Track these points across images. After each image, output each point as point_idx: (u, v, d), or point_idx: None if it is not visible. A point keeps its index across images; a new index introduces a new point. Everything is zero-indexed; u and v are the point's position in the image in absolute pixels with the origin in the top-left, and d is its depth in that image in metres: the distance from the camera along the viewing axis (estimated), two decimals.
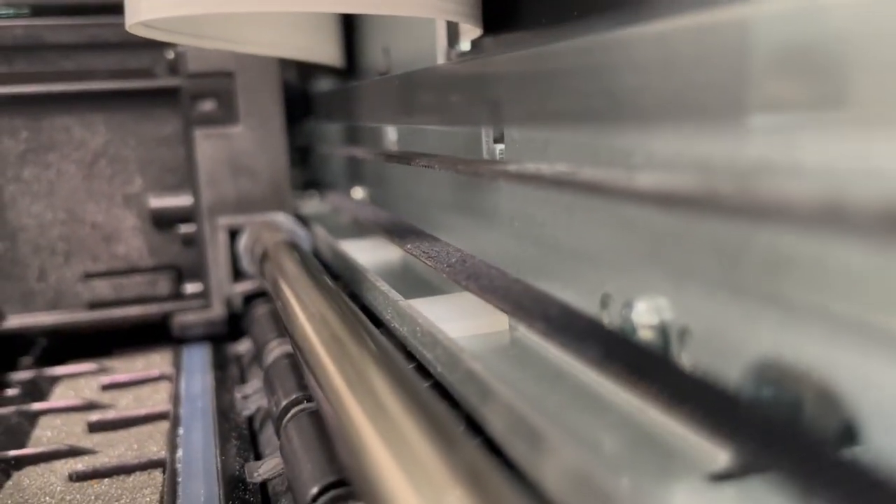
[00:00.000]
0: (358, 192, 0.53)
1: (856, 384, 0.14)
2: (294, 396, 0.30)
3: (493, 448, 0.19)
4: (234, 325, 0.50)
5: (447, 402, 0.22)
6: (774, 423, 0.13)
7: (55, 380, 0.44)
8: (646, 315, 0.20)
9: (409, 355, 0.27)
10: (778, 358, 0.16)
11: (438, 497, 0.14)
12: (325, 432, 0.26)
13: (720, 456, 0.17)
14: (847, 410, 0.14)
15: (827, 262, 0.14)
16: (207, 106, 0.47)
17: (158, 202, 0.48)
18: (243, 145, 0.48)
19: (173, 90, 0.48)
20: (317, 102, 0.58)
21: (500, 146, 0.29)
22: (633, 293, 0.21)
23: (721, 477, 0.16)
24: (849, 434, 0.14)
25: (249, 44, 0.42)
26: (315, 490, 0.22)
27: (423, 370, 0.26)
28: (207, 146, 0.48)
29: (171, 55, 0.47)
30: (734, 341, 0.17)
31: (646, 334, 0.20)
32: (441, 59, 0.35)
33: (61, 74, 0.46)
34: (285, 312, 0.31)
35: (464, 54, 0.33)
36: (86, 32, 0.46)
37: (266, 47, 0.43)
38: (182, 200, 0.48)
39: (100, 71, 0.47)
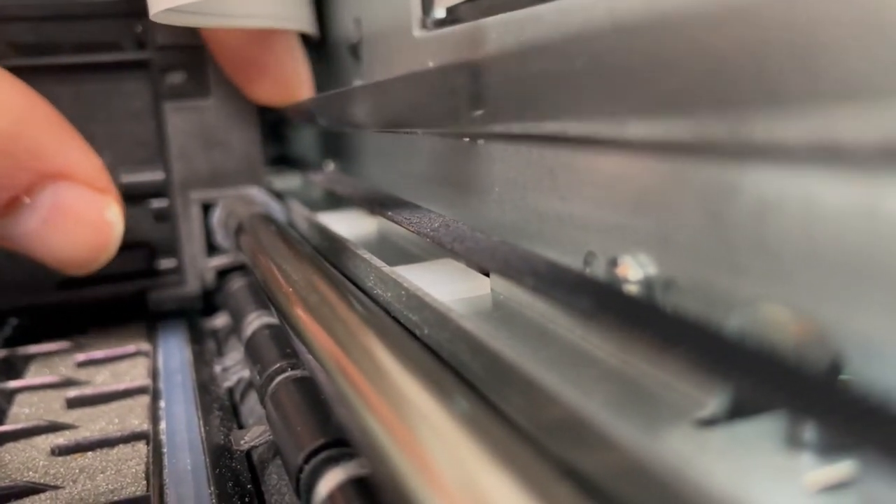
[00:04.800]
0: (331, 167, 0.53)
1: (845, 327, 0.15)
2: (278, 365, 0.30)
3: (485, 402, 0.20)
4: (208, 300, 0.50)
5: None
6: (764, 364, 0.14)
7: (29, 358, 0.44)
8: (630, 270, 0.21)
9: (393, 320, 0.28)
10: (765, 303, 0.16)
11: (447, 446, 0.14)
12: (312, 397, 0.27)
13: (708, 402, 0.17)
14: (835, 351, 0.15)
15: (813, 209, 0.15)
16: (177, 79, 0.47)
17: (129, 177, 0.47)
18: (215, 119, 0.48)
19: (142, 63, 0.47)
20: None
21: (478, 112, 0.29)
22: (617, 251, 0.21)
23: (709, 422, 0.17)
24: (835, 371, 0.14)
25: (257, 17, 0.41)
26: (307, 451, 0.22)
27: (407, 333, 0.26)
28: (178, 120, 0.47)
29: (139, 28, 0.47)
30: (720, 291, 0.18)
31: (631, 289, 0.20)
32: (416, 28, 0.35)
33: (25, 48, 0.45)
34: (267, 281, 0.31)
35: (440, 21, 0.33)
36: (49, 5, 0.45)
37: (264, 19, 0.42)
38: (153, 175, 0.48)
39: (65, 44, 0.46)
